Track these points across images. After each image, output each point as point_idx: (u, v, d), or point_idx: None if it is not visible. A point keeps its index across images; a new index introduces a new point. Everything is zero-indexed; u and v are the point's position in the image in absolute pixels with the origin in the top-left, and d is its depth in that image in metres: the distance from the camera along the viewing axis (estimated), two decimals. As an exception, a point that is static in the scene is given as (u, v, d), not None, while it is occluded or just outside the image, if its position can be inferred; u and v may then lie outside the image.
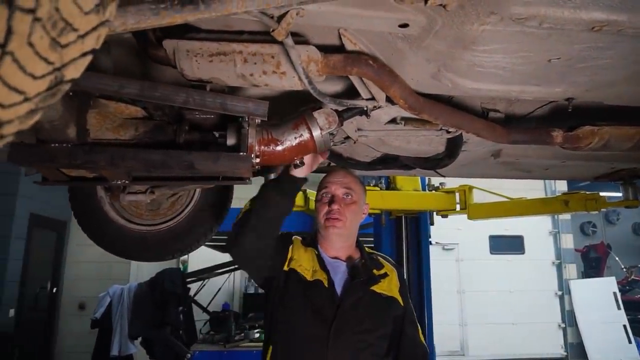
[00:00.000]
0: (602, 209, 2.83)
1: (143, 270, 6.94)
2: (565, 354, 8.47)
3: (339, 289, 1.51)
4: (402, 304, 1.55)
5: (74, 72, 0.56)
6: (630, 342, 8.37)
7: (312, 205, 2.70)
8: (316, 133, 1.40)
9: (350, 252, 1.64)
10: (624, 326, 8.45)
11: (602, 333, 8.33)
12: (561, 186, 8.84)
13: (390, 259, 1.71)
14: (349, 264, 1.59)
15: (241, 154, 1.30)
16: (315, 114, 1.40)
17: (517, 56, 1.11)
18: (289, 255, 1.55)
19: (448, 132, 1.69)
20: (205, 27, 1.29)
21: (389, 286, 1.57)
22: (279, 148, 1.40)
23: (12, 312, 6.09)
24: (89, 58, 0.58)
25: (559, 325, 8.63)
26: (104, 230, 2.13)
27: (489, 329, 8.26)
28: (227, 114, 1.39)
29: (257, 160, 1.38)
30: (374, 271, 1.58)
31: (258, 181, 2.58)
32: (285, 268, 1.53)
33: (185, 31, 1.29)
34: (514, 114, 1.75)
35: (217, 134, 1.41)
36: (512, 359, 8.12)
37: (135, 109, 1.42)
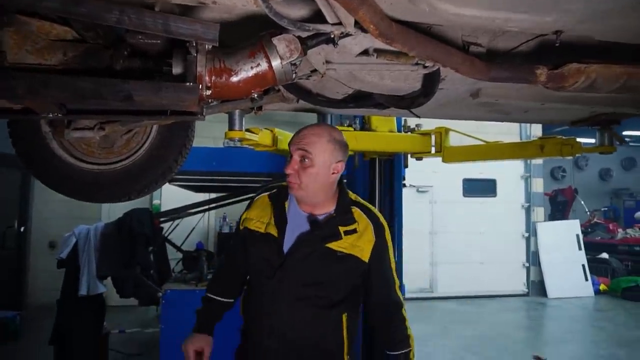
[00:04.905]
0: (576, 155, 2.78)
1: (115, 210, 6.77)
2: (527, 290, 8.96)
3: (291, 242, 1.52)
4: (366, 260, 1.51)
5: None
6: (587, 279, 8.91)
7: (281, 145, 2.56)
8: (275, 63, 1.23)
9: (326, 207, 1.59)
10: (583, 265, 8.94)
11: (562, 272, 8.80)
12: (536, 131, 8.89)
13: (377, 213, 1.62)
14: (310, 219, 1.55)
15: (187, 84, 1.14)
16: (275, 40, 1.22)
17: (504, -27, 0.95)
18: (243, 220, 1.68)
19: (425, 66, 1.54)
20: None
21: (355, 243, 1.51)
22: (234, 79, 1.23)
23: (-23, 250, 5.96)
24: None
25: (523, 265, 9.06)
26: (51, 169, 1.95)
27: (457, 268, 8.60)
28: (176, 39, 1.21)
29: (208, 92, 1.21)
30: (340, 227, 1.51)
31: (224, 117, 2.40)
32: (241, 227, 1.67)
33: None
34: (497, 49, 1.60)
35: (162, 62, 1.23)
36: (478, 295, 8.56)
37: (63, 30, 1.21)
